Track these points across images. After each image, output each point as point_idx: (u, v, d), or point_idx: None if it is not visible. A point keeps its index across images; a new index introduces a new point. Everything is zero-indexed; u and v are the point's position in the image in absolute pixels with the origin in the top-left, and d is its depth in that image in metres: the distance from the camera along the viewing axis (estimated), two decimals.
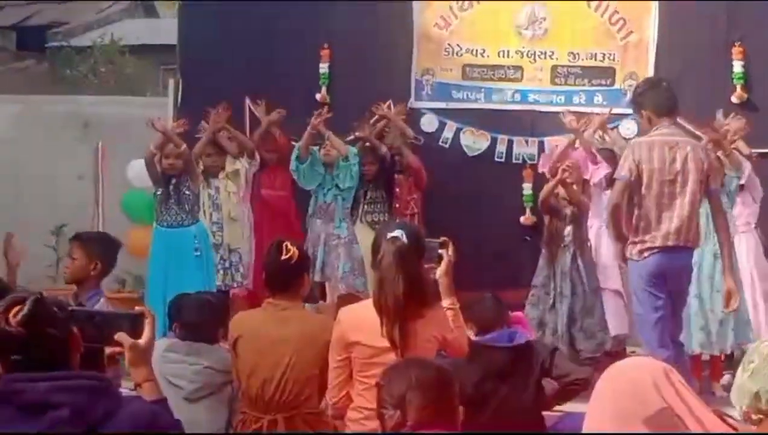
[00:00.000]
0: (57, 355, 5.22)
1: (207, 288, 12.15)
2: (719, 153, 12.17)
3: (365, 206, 13.52)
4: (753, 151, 13.12)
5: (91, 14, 27.62)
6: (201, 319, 9.23)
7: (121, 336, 5.60)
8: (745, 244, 12.66)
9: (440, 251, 8.48)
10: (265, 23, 14.96)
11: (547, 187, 12.96)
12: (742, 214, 12.58)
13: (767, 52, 14.28)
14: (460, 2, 15.10)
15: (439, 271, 8.49)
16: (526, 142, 14.72)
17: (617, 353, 9.84)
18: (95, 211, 15.38)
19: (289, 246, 8.87)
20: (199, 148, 13.61)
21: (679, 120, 13.41)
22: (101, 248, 9.34)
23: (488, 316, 9.83)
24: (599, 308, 12.43)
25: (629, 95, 14.28)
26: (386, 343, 8.19)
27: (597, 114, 13.93)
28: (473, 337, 9.93)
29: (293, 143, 13.86)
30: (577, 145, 13.25)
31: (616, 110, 14.53)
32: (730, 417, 5.17)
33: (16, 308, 5.12)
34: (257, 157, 14.03)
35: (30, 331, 5.11)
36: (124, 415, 5.10)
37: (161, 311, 11.52)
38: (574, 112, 13.96)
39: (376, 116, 14.09)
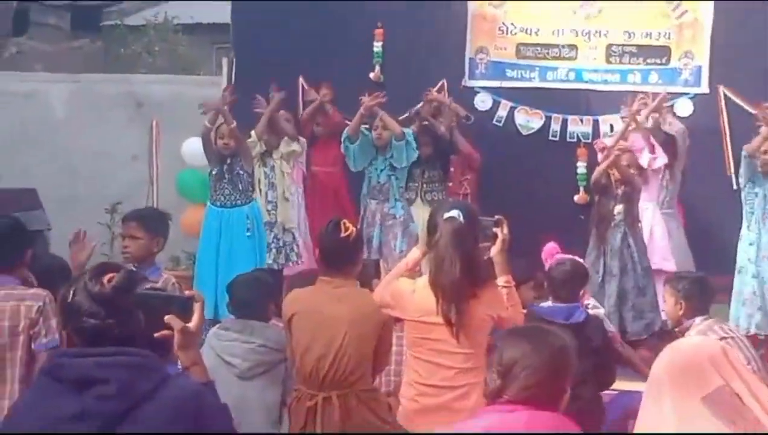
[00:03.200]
0: (129, 331, 5.24)
1: (258, 266, 12.20)
2: None
3: (424, 185, 13.49)
4: None
5: None
6: (253, 296, 9.23)
7: (171, 319, 5.56)
8: None
9: (495, 230, 8.48)
10: (319, 2, 14.88)
11: (600, 167, 12.95)
12: None
13: None
14: None
15: (494, 250, 8.53)
16: (581, 120, 14.71)
17: (669, 335, 9.73)
18: (149, 190, 15.42)
19: (347, 224, 8.92)
20: (261, 127, 13.60)
21: (729, 93, 13.53)
22: (162, 225, 9.42)
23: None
24: (651, 288, 12.43)
25: (685, 73, 14.36)
26: (439, 319, 8.29)
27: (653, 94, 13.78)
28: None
29: (346, 121, 13.84)
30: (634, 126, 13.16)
31: (671, 89, 14.47)
32: None
33: (111, 274, 5.16)
34: (303, 141, 14.07)
35: (118, 300, 5.16)
36: (170, 392, 5.15)
37: (211, 290, 11.62)
38: (632, 93, 13.90)
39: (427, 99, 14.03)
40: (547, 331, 5.71)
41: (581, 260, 10.76)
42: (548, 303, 10.12)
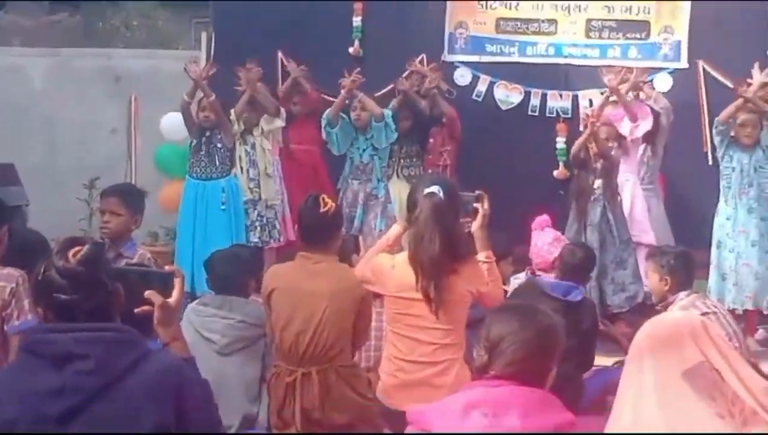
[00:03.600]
0: (101, 305, 5.27)
1: (234, 241, 12.25)
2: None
3: (401, 161, 13.52)
4: None
5: None
6: (232, 272, 9.26)
7: (151, 294, 5.61)
8: None
9: (476, 205, 8.51)
10: None
11: (578, 141, 12.99)
12: None
13: None
14: None
15: (475, 225, 8.58)
16: (560, 95, 14.76)
17: (650, 309, 9.81)
18: (128, 165, 15.45)
19: (326, 199, 8.92)
20: (240, 106, 13.62)
21: (708, 68, 13.61)
22: (141, 202, 9.39)
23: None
24: (632, 260, 12.51)
25: (665, 48, 14.42)
26: (418, 295, 8.31)
27: (633, 69, 13.83)
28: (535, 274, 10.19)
29: (324, 97, 13.85)
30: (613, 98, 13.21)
31: (650, 64, 14.56)
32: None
33: (77, 248, 5.20)
34: (283, 113, 14.02)
35: (86, 273, 5.18)
36: (150, 367, 5.19)
37: (189, 262, 11.60)
38: (611, 67, 13.92)
39: (409, 70, 14.04)
40: (536, 309, 5.73)
41: (591, 247, 10.98)
42: (550, 277, 10.33)
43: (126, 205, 9.08)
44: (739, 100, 12.28)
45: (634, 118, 13.20)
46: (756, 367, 4.98)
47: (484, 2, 15.08)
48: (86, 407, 5.03)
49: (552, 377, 5.22)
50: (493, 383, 5.07)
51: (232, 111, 13.59)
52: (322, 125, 13.69)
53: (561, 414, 5.06)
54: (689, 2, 14.57)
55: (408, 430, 5.12)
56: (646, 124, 13.18)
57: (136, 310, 5.79)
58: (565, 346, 8.19)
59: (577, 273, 10.36)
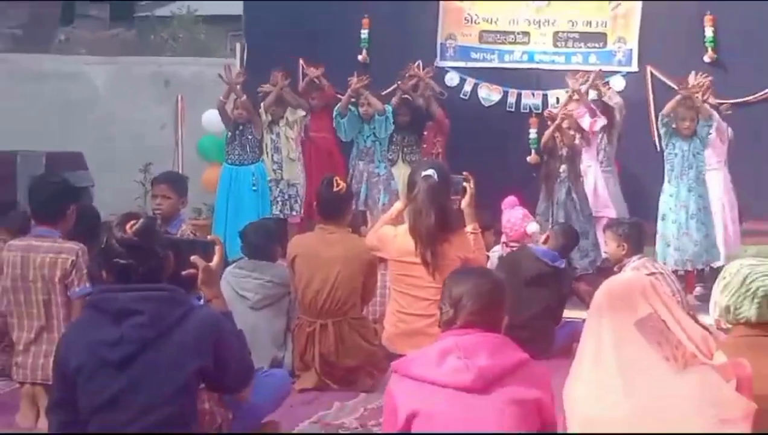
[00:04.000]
0: (153, 269, 5.32)
1: (261, 216, 12.30)
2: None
3: (404, 148, 13.43)
4: (723, 102, 13.17)
5: None
6: (262, 241, 9.33)
7: (196, 259, 5.72)
8: (716, 179, 12.67)
9: (464, 185, 8.65)
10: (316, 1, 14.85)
11: (547, 132, 13.06)
12: (713, 154, 12.59)
13: (733, 20, 14.15)
14: None
15: (464, 202, 8.76)
16: (532, 94, 14.75)
17: (608, 271, 9.90)
18: (175, 153, 15.38)
19: (339, 181, 9.14)
20: (269, 102, 13.60)
21: (654, 71, 13.67)
22: (185, 186, 9.42)
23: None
24: (592, 232, 12.53)
25: (619, 55, 14.44)
26: (416, 260, 8.49)
27: (591, 72, 13.84)
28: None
29: (338, 95, 13.86)
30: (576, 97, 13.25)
31: (607, 68, 14.56)
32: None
33: (132, 222, 5.28)
34: (306, 106, 13.97)
35: (140, 242, 5.21)
36: (195, 319, 5.23)
37: (224, 233, 11.63)
38: (574, 71, 13.94)
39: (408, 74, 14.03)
40: (486, 270, 6.15)
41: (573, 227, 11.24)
42: (542, 246, 10.44)
43: (174, 189, 9.11)
44: (679, 97, 12.33)
45: (593, 114, 13.25)
46: (695, 318, 4.98)
47: (469, 18, 15.04)
48: (140, 354, 5.07)
49: (505, 323, 5.27)
50: (460, 332, 5.08)
51: (261, 104, 13.61)
52: (333, 115, 13.72)
53: (518, 353, 5.10)
54: (639, 17, 14.56)
55: (391, 378, 5.13)
56: (602, 120, 13.24)
57: (183, 273, 5.80)
58: (543, 303, 8.26)
59: (565, 249, 10.57)
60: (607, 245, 10.10)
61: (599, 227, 12.48)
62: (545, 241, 10.50)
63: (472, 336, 5.08)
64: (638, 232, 9.83)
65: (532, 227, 11.57)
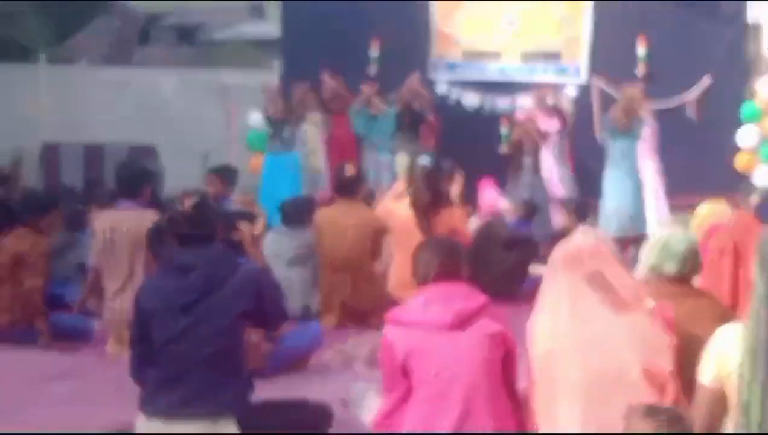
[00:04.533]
0: (208, 234, 5.37)
1: (294, 193, 12.32)
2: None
3: (405, 142, 13.24)
4: (653, 108, 13.16)
5: (226, 17, 27.69)
6: (296, 212, 9.30)
7: (243, 226, 5.78)
8: (647, 166, 12.72)
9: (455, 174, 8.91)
10: (336, 23, 14.79)
11: (516, 132, 13.23)
12: (645, 147, 12.66)
13: (662, 41, 14.15)
14: (462, 9, 14.99)
15: (454, 190, 8.95)
16: (504, 100, 14.67)
17: (561, 237, 9.95)
18: (230, 145, 15.33)
19: (350, 166, 9.35)
20: (297, 109, 13.64)
21: (598, 82, 13.78)
22: (231, 176, 10.01)
23: None
24: (547, 208, 12.48)
25: (571, 69, 14.40)
26: (415, 226, 8.78)
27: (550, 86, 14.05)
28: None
29: (353, 101, 13.88)
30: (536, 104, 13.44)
31: (562, 80, 14.55)
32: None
33: (187, 197, 5.41)
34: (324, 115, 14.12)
35: (196, 213, 5.27)
36: (241, 273, 5.27)
37: (267, 206, 11.66)
38: (537, 84, 14.06)
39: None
40: (443, 238, 6.51)
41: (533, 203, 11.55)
42: (510, 217, 10.93)
43: (221, 179, 9.38)
44: (618, 103, 12.48)
45: (551, 118, 13.26)
46: (628, 272, 4.98)
47: (455, 40, 14.97)
48: (200, 300, 5.13)
49: (467, 274, 5.30)
50: (434, 284, 5.10)
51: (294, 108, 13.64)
52: (351, 114, 13.76)
53: (482, 297, 5.09)
54: (588, 41, 14.54)
55: (385, 327, 5.14)
56: (556, 123, 13.30)
57: (233, 237, 5.83)
58: (513, 260, 8.32)
59: (526, 218, 10.86)
60: (562, 216, 10.13)
61: (553, 205, 12.62)
62: (495, 213, 10.61)
63: (445, 287, 5.09)
64: (584, 207, 9.96)
65: (503, 204, 11.69)
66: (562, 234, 10.82)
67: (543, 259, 10.06)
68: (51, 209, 8.31)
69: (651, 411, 3.71)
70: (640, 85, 13.13)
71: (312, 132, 13.86)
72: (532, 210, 10.92)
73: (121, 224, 7.56)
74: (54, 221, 8.37)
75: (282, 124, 13.45)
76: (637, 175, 12.39)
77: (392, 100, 13.68)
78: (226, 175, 10.40)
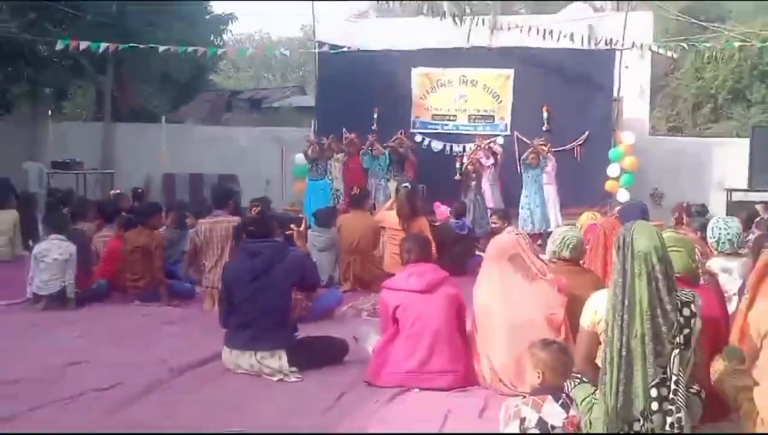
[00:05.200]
0: (268, 232, 5.39)
1: (324, 205, 12.23)
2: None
3: (395, 173, 13.03)
4: (552, 149, 13.10)
5: (281, 92, 27.66)
6: (325, 218, 9.03)
7: (293, 226, 5.75)
8: (550, 189, 12.58)
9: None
10: (352, 97, 14.55)
11: (464, 164, 13.03)
12: (548, 177, 12.60)
13: (558, 108, 13.97)
14: (431, 88, 14.83)
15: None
16: (458, 146, 14.41)
17: (495, 233, 9.91)
18: (281, 174, 15.30)
19: (357, 188, 9.47)
20: (327, 152, 13.52)
21: (519, 135, 13.75)
22: (268, 202, 9.46)
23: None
24: (486, 217, 12.31)
25: (500, 126, 14.30)
26: (399, 228, 8.46)
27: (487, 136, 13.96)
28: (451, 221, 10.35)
29: (362, 145, 13.69)
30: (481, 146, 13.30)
31: (494, 133, 14.32)
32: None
33: (255, 206, 5.42)
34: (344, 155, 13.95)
35: (260, 217, 5.31)
36: (291, 257, 5.27)
37: (307, 213, 11.56)
38: (478, 135, 13.90)
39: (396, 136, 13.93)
40: (419, 234, 6.36)
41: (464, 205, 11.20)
42: (453, 221, 10.29)
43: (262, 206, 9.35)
44: (530, 148, 12.52)
45: (487, 157, 13.15)
46: (537, 256, 4.96)
47: (427, 107, 14.72)
48: (262, 275, 5.11)
49: (434, 257, 5.58)
50: (414, 265, 5.13)
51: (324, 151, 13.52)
52: (360, 154, 13.50)
53: (444, 272, 5.13)
54: (510, 107, 14.37)
55: (382, 291, 5.17)
56: (491, 160, 13.14)
57: (286, 232, 5.81)
58: (461, 250, 8.17)
59: (460, 216, 10.41)
60: (495, 221, 10.01)
61: (489, 212, 12.50)
62: (447, 219, 10.49)
63: (420, 266, 5.11)
64: (509, 215, 9.85)
65: (445, 210, 11.68)
66: (493, 232, 10.82)
67: (482, 248, 10.08)
68: (155, 214, 8.33)
69: (546, 344, 3.71)
70: (546, 137, 13.16)
71: (335, 166, 13.67)
72: (462, 211, 10.66)
73: (216, 225, 7.50)
74: (158, 222, 8.40)
75: (317, 160, 13.25)
76: (542, 193, 12.36)
77: (386, 147, 13.56)
78: (265, 203, 10.24)
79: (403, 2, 17.18)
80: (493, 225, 10.14)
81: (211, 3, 18.50)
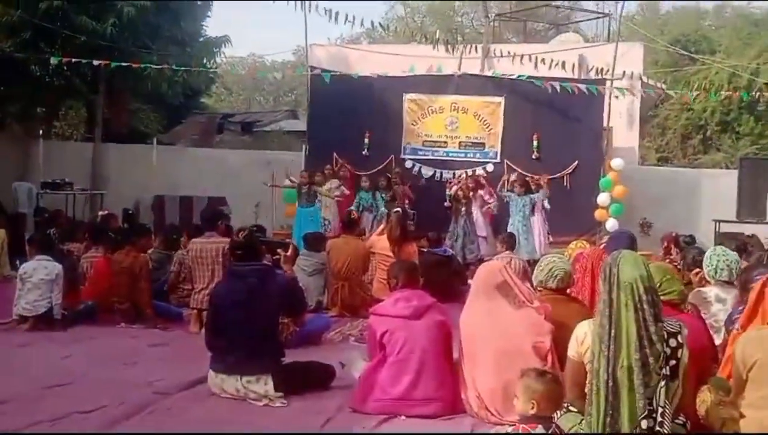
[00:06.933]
0: (255, 255, 5.38)
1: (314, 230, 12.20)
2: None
3: (386, 201, 13.12)
4: (548, 177, 13.20)
5: (273, 116, 27.64)
6: (315, 242, 9.03)
7: (281, 251, 5.74)
8: (538, 217, 12.61)
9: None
10: (342, 121, 14.61)
11: (454, 190, 12.91)
12: (540, 205, 12.60)
13: (548, 136, 14.13)
14: (423, 115, 14.88)
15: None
16: (448, 172, 14.48)
17: (482, 261, 9.92)
18: (271, 198, 15.20)
19: (353, 214, 9.75)
20: (317, 178, 13.50)
21: (509, 163, 13.74)
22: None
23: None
24: (477, 241, 12.42)
25: (491, 153, 14.34)
26: (389, 253, 8.43)
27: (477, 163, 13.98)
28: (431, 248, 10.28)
29: (354, 173, 13.83)
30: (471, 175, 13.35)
31: (485, 160, 14.42)
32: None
33: (242, 231, 5.39)
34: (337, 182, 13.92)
35: (246, 241, 5.28)
36: (278, 280, 5.27)
37: (296, 238, 11.51)
38: (467, 162, 14.01)
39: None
40: (407, 260, 6.73)
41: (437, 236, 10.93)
42: (439, 249, 10.29)
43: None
44: (516, 177, 12.56)
45: (481, 186, 13.23)
46: (524, 283, 4.98)
47: (419, 133, 14.80)
48: (251, 296, 5.08)
49: (421, 284, 5.35)
50: (401, 290, 5.14)
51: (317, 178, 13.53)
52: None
53: (431, 298, 5.13)
54: (500, 134, 14.47)
55: (370, 317, 5.18)
56: (486, 190, 13.19)
57: (273, 257, 5.80)
58: (444, 273, 8.18)
59: (436, 245, 10.37)
60: (493, 246, 9.95)
61: (481, 241, 12.59)
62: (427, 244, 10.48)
63: (407, 291, 5.12)
64: (510, 239, 9.73)
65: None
66: (482, 258, 10.82)
67: (472, 274, 10.11)
68: (143, 236, 8.36)
69: (540, 373, 3.70)
70: (536, 166, 13.23)
71: (326, 194, 13.50)
72: (437, 240, 10.55)
73: (206, 245, 7.50)
74: (146, 243, 8.44)
75: (308, 189, 13.14)
76: (529, 222, 12.35)
77: (380, 172, 13.62)
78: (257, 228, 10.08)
79: (397, 27, 17.33)
80: (482, 252, 10.14)
81: (206, 25, 18.47)
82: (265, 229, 9.74)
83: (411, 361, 4.84)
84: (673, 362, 3.54)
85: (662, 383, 3.49)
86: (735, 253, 5.78)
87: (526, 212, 12.33)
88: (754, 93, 17.24)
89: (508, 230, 12.11)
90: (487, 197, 13.06)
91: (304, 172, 13.51)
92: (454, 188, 12.91)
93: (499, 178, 14.04)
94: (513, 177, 13.23)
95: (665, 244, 9.52)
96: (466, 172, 13.53)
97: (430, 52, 15.90)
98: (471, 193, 12.84)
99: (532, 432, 3.47)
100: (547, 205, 12.75)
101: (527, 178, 12.74)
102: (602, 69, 14.59)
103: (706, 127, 24.35)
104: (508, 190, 12.87)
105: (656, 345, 3.50)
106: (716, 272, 5.58)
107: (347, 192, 13.69)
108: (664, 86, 15.86)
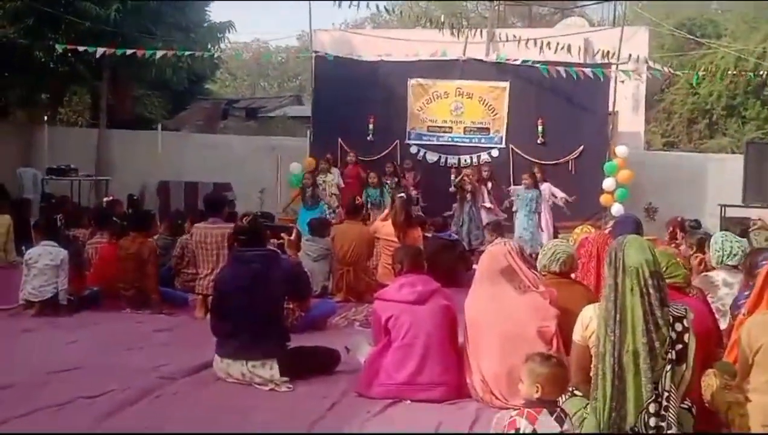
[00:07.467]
0: (260, 240, 5.36)
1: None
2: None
3: (392, 187, 12.96)
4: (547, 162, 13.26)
5: (278, 102, 27.68)
6: (319, 228, 9.02)
7: (285, 234, 5.75)
8: (546, 210, 12.51)
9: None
10: (347, 106, 14.54)
11: (460, 177, 12.97)
12: (545, 199, 12.53)
13: (553, 121, 14.11)
14: (427, 99, 14.81)
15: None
16: (454, 158, 14.52)
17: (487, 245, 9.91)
18: (276, 184, 15.23)
19: (359, 198, 9.83)
20: (318, 169, 13.54)
21: (514, 148, 13.80)
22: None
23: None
24: (481, 227, 12.31)
25: (496, 138, 14.28)
26: (394, 238, 8.45)
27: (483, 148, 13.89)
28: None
29: (358, 158, 13.86)
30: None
31: (490, 145, 14.40)
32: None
33: (246, 217, 5.38)
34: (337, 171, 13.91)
35: (251, 227, 5.25)
36: (283, 265, 5.29)
37: (301, 223, 11.49)
38: (472, 147, 13.95)
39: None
40: (411, 245, 6.62)
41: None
42: (444, 234, 10.34)
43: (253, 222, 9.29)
44: (526, 174, 12.51)
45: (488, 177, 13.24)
46: (529, 268, 4.96)
47: (423, 118, 14.77)
48: (256, 281, 5.06)
49: (425, 266, 5.31)
50: (406, 275, 5.12)
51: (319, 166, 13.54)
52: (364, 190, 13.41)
53: (435, 283, 5.13)
54: (505, 119, 14.42)
55: (375, 302, 5.18)
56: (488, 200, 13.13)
57: (277, 241, 5.80)
58: (451, 256, 8.08)
59: (441, 229, 10.39)
60: (488, 233, 9.96)
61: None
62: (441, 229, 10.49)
63: (412, 276, 5.11)
64: (501, 227, 9.74)
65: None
66: (489, 242, 10.83)
67: (477, 260, 10.11)
68: (149, 222, 8.36)
69: (545, 357, 3.68)
70: (541, 151, 13.17)
71: (329, 184, 13.52)
72: (441, 226, 10.57)
73: (211, 230, 7.42)
74: (152, 229, 8.43)
75: (311, 188, 12.96)
76: (534, 215, 12.20)
77: (384, 158, 13.56)
78: (263, 216, 9.98)
79: (402, 11, 17.25)
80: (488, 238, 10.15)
81: (209, 11, 18.40)
82: (273, 217, 9.75)
83: (416, 345, 4.84)
84: (679, 346, 3.53)
85: (668, 367, 3.48)
86: (744, 238, 5.77)
87: (533, 207, 12.27)
88: (762, 74, 17.14)
89: (516, 225, 12.11)
90: (488, 205, 13.02)
91: (308, 174, 13.46)
92: (460, 176, 12.95)
93: (505, 163, 13.98)
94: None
95: (671, 228, 9.50)
96: (471, 158, 13.44)
97: (435, 37, 15.85)
98: (477, 183, 12.82)
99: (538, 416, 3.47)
100: (561, 193, 12.69)
101: (535, 172, 12.66)
102: (608, 53, 14.53)
103: (712, 111, 24.24)
104: (515, 190, 12.82)
105: (662, 329, 3.49)
106: (728, 256, 5.53)
107: (342, 184, 13.68)
108: (670, 70, 15.79)
